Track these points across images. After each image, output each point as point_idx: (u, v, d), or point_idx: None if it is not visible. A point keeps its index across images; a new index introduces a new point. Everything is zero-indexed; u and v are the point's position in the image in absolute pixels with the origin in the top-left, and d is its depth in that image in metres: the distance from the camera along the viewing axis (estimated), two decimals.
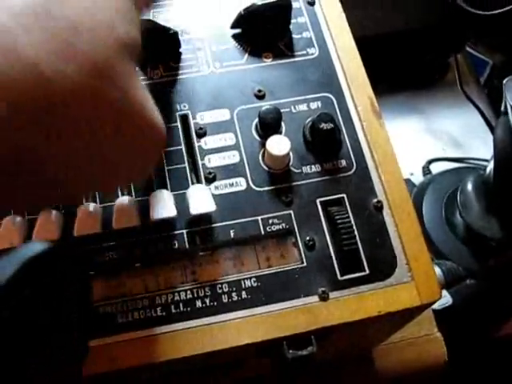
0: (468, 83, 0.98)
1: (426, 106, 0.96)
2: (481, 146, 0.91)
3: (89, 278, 0.27)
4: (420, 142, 0.93)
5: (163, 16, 0.52)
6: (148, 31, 0.45)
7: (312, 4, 0.53)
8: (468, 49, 1.24)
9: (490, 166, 0.74)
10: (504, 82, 0.69)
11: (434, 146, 0.93)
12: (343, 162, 0.47)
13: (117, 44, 0.30)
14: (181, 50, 0.50)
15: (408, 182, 0.88)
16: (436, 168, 0.90)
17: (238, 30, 0.51)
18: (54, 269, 0.26)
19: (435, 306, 0.77)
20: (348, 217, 0.45)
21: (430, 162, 0.90)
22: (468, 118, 0.94)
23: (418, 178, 0.88)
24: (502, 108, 0.70)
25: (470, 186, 0.79)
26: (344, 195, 0.46)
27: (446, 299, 0.78)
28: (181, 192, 0.45)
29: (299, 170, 0.46)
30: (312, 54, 0.51)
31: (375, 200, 0.46)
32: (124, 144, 0.31)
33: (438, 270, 0.78)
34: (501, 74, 1.28)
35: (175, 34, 0.48)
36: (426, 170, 0.89)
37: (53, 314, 0.27)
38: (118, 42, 0.30)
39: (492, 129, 0.90)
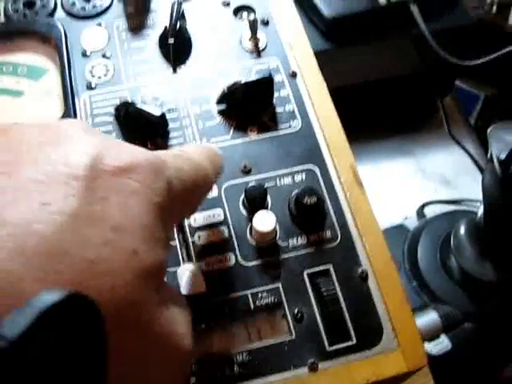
0: (457, 124, 1.00)
1: (417, 149, 0.98)
2: (472, 185, 0.93)
3: (103, 330, 0.26)
4: (412, 185, 0.95)
5: (152, 94, 0.54)
6: (135, 115, 0.47)
7: (294, 76, 0.55)
8: (459, 83, 1.26)
9: (481, 211, 0.76)
10: (488, 130, 0.71)
11: (426, 187, 0.94)
12: (328, 233, 0.49)
13: (139, 276, 0.29)
14: (168, 128, 0.52)
15: (402, 227, 0.89)
16: (430, 210, 0.91)
17: (223, 106, 0.53)
18: (67, 320, 0.24)
19: (434, 352, 0.78)
20: (334, 288, 0.46)
21: (424, 205, 0.91)
22: (457, 158, 0.96)
23: (412, 222, 0.90)
24: (488, 156, 0.71)
25: (462, 230, 0.80)
26: (330, 266, 0.47)
27: (444, 344, 0.79)
28: (172, 269, 0.46)
29: (286, 243, 0.48)
30: (295, 127, 0.53)
31: (360, 270, 0.47)
32: (149, 367, 0.30)
33: (435, 314, 0.80)
34: (492, 106, 1.30)
35: (162, 115, 0.50)
36: (420, 214, 0.91)
37: (65, 369, 0.24)
38: (141, 272, 0.29)
39: (481, 168, 0.92)
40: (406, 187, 0.94)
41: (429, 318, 0.79)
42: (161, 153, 0.35)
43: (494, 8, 1.14)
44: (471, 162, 0.95)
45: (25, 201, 0.27)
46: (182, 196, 0.34)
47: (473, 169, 0.93)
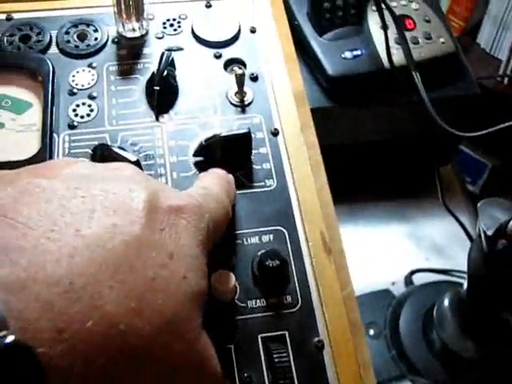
0: (453, 192, 0.99)
1: (411, 215, 0.97)
2: (464, 255, 0.92)
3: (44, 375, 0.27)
4: (403, 251, 0.93)
5: (131, 139, 0.54)
6: (109, 159, 0.47)
7: (275, 135, 0.55)
8: (466, 149, 1.26)
9: (466, 285, 0.74)
10: (478, 205, 0.70)
11: (417, 254, 0.93)
12: (289, 298, 0.48)
13: (188, 298, 0.34)
14: None
15: (387, 292, 0.88)
16: (418, 278, 0.90)
17: (199, 158, 0.53)
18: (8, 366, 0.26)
19: None
20: (287, 356, 0.45)
21: (413, 272, 0.90)
22: (452, 228, 0.94)
23: (399, 288, 0.89)
24: (477, 230, 0.70)
25: (446, 303, 0.79)
26: (286, 332, 0.46)
27: None
28: None
29: (244, 304, 0.47)
30: (270, 186, 0.52)
31: (316, 339, 0.46)
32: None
33: None
34: (499, 177, 1.29)
35: (137, 162, 0.50)
36: (408, 281, 0.89)
37: None
38: (189, 295, 0.34)
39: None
40: (396, 252, 0.93)
41: None
42: (193, 192, 0.41)
43: (506, 80, 1.15)
44: (464, 233, 0.94)
45: (98, 220, 0.32)
46: (214, 234, 0.40)
47: (466, 239, 0.92)
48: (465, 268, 0.89)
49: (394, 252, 0.93)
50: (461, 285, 0.79)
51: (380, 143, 0.91)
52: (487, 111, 0.96)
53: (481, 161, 1.30)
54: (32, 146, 0.51)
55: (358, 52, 0.83)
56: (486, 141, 1.13)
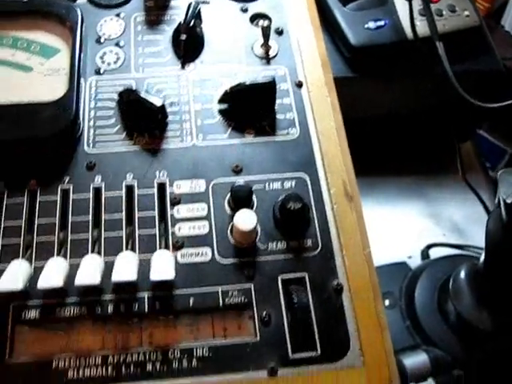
0: (474, 171, 0.99)
1: (431, 191, 0.97)
2: (482, 234, 0.91)
3: None
4: (421, 226, 0.93)
5: (157, 87, 0.54)
6: (136, 102, 0.48)
7: (300, 86, 0.55)
8: (486, 135, 1.25)
9: (483, 257, 0.74)
10: (498, 174, 0.70)
11: (434, 230, 0.93)
12: (309, 242, 0.48)
13: None
14: (168, 120, 0.52)
15: (404, 265, 0.88)
16: (435, 253, 0.89)
17: (224, 106, 0.53)
18: None
19: None
20: (306, 296, 0.46)
21: (430, 246, 0.90)
22: (471, 206, 0.94)
23: (415, 262, 0.88)
24: (496, 201, 0.70)
25: (462, 275, 0.78)
26: (305, 274, 0.47)
27: None
28: (148, 256, 0.46)
29: (265, 246, 0.48)
30: (293, 135, 0.53)
31: (336, 282, 0.46)
32: None
33: (425, 356, 0.78)
34: None
35: (162, 106, 0.51)
36: (424, 255, 0.89)
37: None
38: None
39: None
40: (414, 227, 0.93)
41: (418, 359, 0.77)
42: None
43: None
44: (483, 211, 0.93)
45: None
46: None
47: (484, 218, 0.92)
48: (482, 245, 0.89)
49: (411, 227, 0.92)
50: (477, 259, 0.78)
51: (401, 116, 0.90)
52: (509, 91, 0.95)
53: (500, 146, 1.29)
54: (59, 89, 0.52)
55: (382, 22, 0.83)
56: (506, 127, 1.12)
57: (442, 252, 0.90)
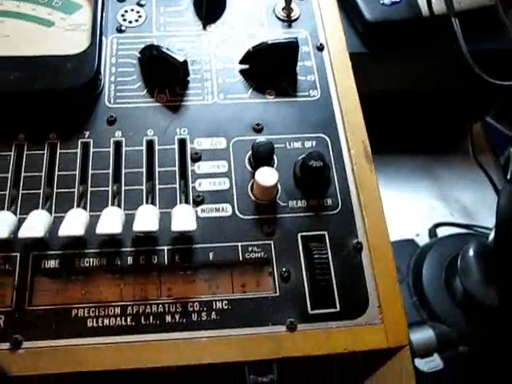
0: (484, 152, 0.99)
1: (441, 171, 0.97)
2: (490, 216, 0.91)
3: None
4: (430, 205, 0.93)
5: (178, 45, 0.54)
6: (158, 58, 0.47)
7: (321, 49, 0.55)
8: (493, 122, 1.25)
9: (493, 235, 0.74)
10: (510, 151, 0.70)
11: (443, 210, 0.93)
12: (329, 201, 0.48)
13: None
14: (189, 78, 0.52)
15: (412, 242, 0.88)
16: (442, 232, 0.90)
17: (245, 66, 0.53)
18: None
19: (424, 369, 0.76)
20: (326, 254, 0.46)
21: (437, 225, 0.90)
22: (480, 187, 0.94)
23: (423, 240, 0.89)
24: (508, 176, 0.70)
25: (471, 252, 0.79)
26: (325, 233, 0.47)
27: (436, 363, 0.77)
28: (168, 210, 0.46)
29: (285, 204, 0.48)
30: (314, 96, 0.53)
31: (355, 241, 0.47)
32: None
33: (431, 332, 0.78)
34: None
35: (184, 62, 0.50)
36: (431, 233, 0.90)
37: None
38: None
39: None
40: (422, 206, 0.93)
41: (424, 334, 0.77)
42: None
43: None
44: (492, 193, 0.93)
45: None
46: None
47: (493, 199, 0.92)
48: (489, 226, 0.89)
49: (420, 205, 0.93)
50: (486, 237, 0.79)
51: (414, 93, 0.90)
52: None
53: (507, 133, 1.29)
54: (81, 44, 0.52)
55: None
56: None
57: (450, 231, 0.90)
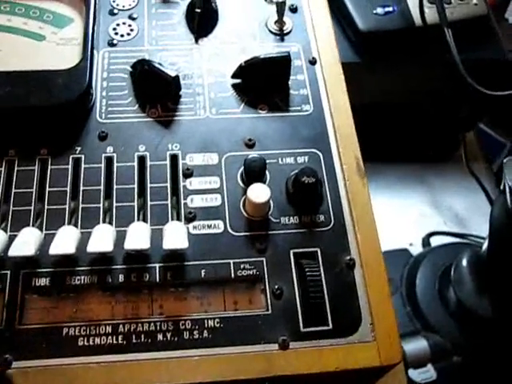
0: (477, 161, 0.99)
1: (434, 180, 0.97)
2: (483, 224, 0.91)
3: None
4: (423, 214, 0.93)
5: (170, 59, 0.54)
6: (150, 73, 0.47)
7: (313, 63, 0.55)
8: (486, 129, 1.25)
9: (486, 244, 0.74)
10: (504, 161, 0.70)
11: (436, 219, 0.93)
12: (321, 217, 0.48)
13: None
14: (181, 92, 0.52)
15: (406, 252, 0.88)
16: (436, 241, 0.90)
17: (237, 80, 0.53)
18: None
19: (418, 379, 0.76)
20: (318, 271, 0.45)
21: (431, 234, 0.90)
22: (473, 196, 0.94)
23: (416, 249, 0.89)
24: (501, 187, 0.70)
25: (464, 262, 0.78)
26: (318, 249, 0.47)
27: (429, 373, 0.77)
28: (159, 227, 0.46)
29: (277, 220, 0.47)
30: (306, 111, 0.52)
31: (348, 257, 0.46)
32: None
33: (424, 342, 0.78)
34: None
35: (176, 77, 0.50)
36: (425, 242, 0.90)
37: None
38: None
39: None
40: (417, 215, 0.93)
41: (418, 345, 0.77)
42: None
43: None
44: (485, 201, 0.94)
45: None
46: None
47: (488, 209, 0.92)
48: (482, 234, 0.89)
49: (413, 214, 0.93)
50: (479, 247, 0.78)
51: (406, 103, 0.90)
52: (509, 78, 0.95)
53: (500, 140, 1.30)
54: (72, 58, 0.52)
55: (390, 8, 0.83)
56: (505, 120, 1.12)
57: (443, 240, 0.90)
